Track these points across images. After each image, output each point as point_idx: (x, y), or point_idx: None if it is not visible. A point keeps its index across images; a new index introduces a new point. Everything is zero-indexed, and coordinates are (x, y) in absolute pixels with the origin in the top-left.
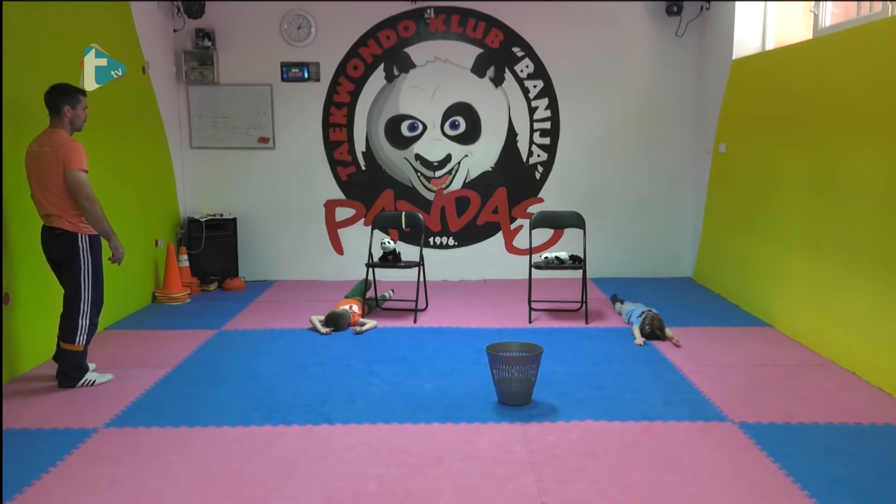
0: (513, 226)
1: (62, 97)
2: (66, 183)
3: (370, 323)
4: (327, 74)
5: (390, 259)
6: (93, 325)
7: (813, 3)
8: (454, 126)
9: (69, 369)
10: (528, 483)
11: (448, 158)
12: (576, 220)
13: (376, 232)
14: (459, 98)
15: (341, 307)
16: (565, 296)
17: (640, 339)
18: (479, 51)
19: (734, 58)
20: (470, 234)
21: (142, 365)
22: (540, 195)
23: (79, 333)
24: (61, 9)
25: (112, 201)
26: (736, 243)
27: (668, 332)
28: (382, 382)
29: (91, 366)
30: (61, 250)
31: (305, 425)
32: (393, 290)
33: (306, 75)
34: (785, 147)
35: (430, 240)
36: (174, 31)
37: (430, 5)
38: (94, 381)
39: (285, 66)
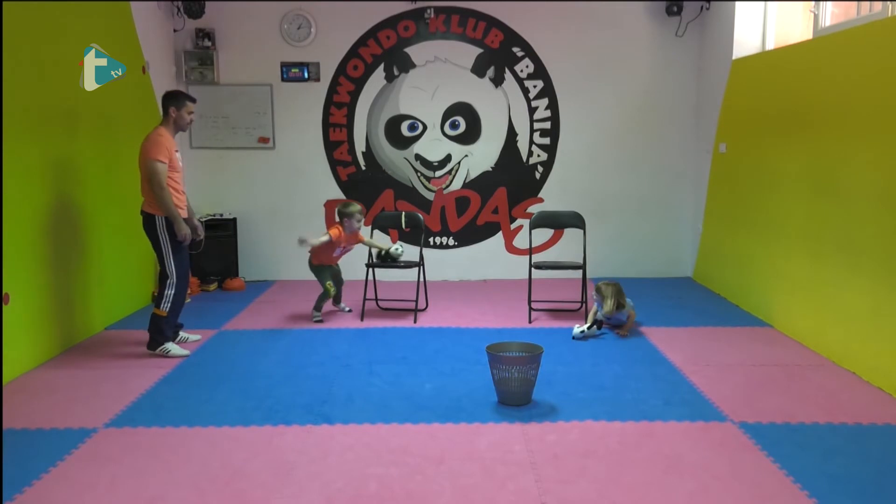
0: (513, 226)
1: (170, 100)
2: (146, 170)
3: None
4: (327, 74)
5: (389, 259)
6: (178, 297)
7: (813, 3)
8: (454, 126)
9: (152, 331)
10: (528, 483)
11: (448, 158)
12: (576, 221)
13: (376, 232)
14: (459, 98)
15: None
16: (565, 296)
17: (584, 326)
18: (479, 51)
19: (734, 58)
20: (470, 234)
21: (142, 365)
22: (540, 195)
23: (164, 301)
24: (61, 9)
25: (111, 201)
26: (736, 243)
27: (628, 305)
28: (382, 382)
29: (186, 336)
30: (147, 231)
31: (305, 425)
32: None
33: (306, 75)
34: (785, 147)
35: (430, 240)
36: (174, 31)
37: (430, 5)
38: (170, 351)
39: (285, 66)
